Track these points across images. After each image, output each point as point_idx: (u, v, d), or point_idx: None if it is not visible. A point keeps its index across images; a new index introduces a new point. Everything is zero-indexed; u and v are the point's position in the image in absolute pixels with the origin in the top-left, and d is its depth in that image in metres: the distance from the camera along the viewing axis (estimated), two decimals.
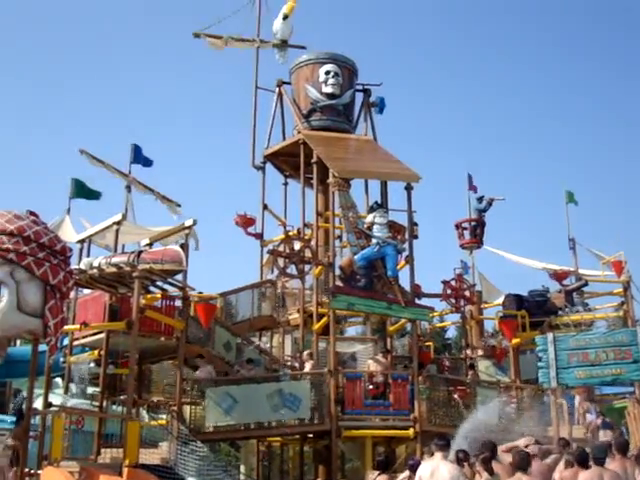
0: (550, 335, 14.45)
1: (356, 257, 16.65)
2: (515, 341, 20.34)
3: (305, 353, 18.10)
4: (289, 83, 22.07)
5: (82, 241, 17.52)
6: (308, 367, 17.45)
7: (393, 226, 17.69)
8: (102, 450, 14.71)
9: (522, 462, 8.29)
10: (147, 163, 19.79)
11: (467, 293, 18.16)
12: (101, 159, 18.83)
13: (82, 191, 18.87)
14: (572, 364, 13.82)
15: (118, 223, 16.83)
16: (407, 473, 9.61)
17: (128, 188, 18.93)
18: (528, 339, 19.55)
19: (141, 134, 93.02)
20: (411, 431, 15.96)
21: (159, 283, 15.82)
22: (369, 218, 17.37)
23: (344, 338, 22.40)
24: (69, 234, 17.54)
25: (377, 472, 10.33)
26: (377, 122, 22.11)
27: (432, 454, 8.92)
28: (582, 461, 8.99)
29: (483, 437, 11.18)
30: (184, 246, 15.99)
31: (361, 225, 17.11)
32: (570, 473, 9.45)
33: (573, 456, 9.65)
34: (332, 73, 20.99)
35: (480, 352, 22.05)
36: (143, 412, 17.00)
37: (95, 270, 14.73)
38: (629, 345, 13.58)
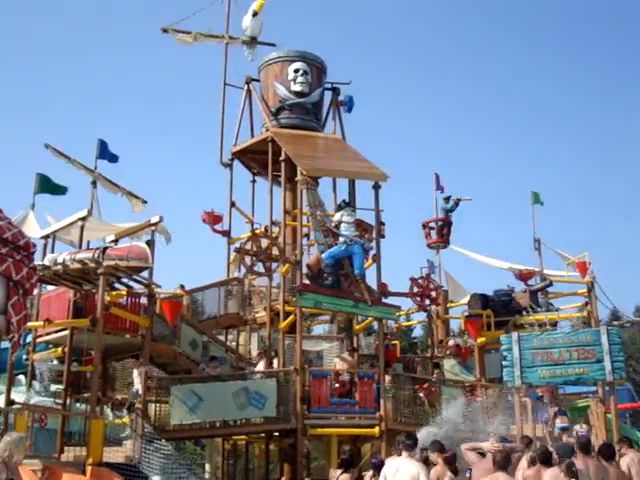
0: (515, 334, 14.55)
1: (323, 255, 16.65)
2: (480, 340, 20.50)
3: (256, 354, 18.07)
4: (258, 80, 21.99)
5: (46, 237, 17.33)
6: (261, 366, 17.50)
7: (360, 225, 17.73)
8: (65, 448, 14.55)
9: (504, 461, 8.42)
10: (113, 159, 19.62)
11: (433, 293, 18.24)
12: (66, 154, 18.63)
13: (47, 186, 18.66)
14: (536, 363, 13.93)
15: (83, 219, 16.67)
16: (371, 472, 9.63)
17: (94, 184, 18.76)
18: (493, 338, 19.71)
19: (107, 129, 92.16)
20: (377, 429, 16.00)
21: (124, 280, 15.71)
22: (337, 217, 17.38)
23: (311, 336, 22.38)
24: (33, 230, 17.34)
25: (340, 470, 10.37)
26: (345, 121, 22.13)
27: (400, 453, 8.96)
28: (545, 460, 9.20)
29: (448, 436, 11.30)
30: (150, 243, 15.88)
31: (329, 223, 17.10)
32: (533, 472, 9.60)
33: (536, 454, 9.79)
34: (301, 71, 20.95)
35: (447, 352, 22.19)
36: (107, 410, 16.86)
37: (59, 266, 14.58)
38: (592, 345, 13.71)
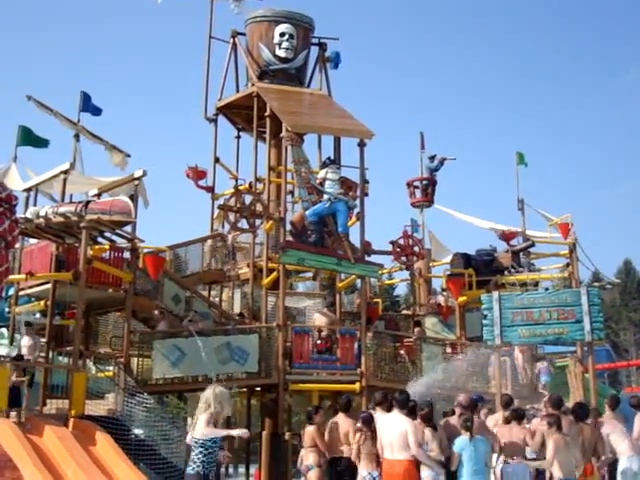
0: (495, 294, 14.63)
1: (307, 212, 16.63)
2: (462, 299, 20.66)
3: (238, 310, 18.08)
4: (244, 34, 21.69)
5: (28, 190, 17.18)
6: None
7: (345, 182, 17.69)
8: (48, 401, 14.61)
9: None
10: (96, 112, 19.33)
11: (416, 249, 18.26)
12: (49, 106, 18.35)
13: (29, 139, 18.39)
14: (516, 322, 14.03)
15: (65, 172, 16.50)
16: (362, 427, 9.76)
17: (76, 137, 18.50)
18: (474, 297, 19.86)
19: (90, 82, 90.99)
20: (357, 385, 16.16)
21: (107, 234, 15.62)
22: (321, 174, 17.32)
23: (293, 293, 22.45)
24: (15, 182, 17.15)
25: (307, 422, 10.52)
26: (332, 77, 21.93)
27: (388, 409, 9.14)
28: (519, 417, 9.54)
29: (429, 393, 11.50)
30: (133, 197, 15.78)
31: (313, 181, 17.06)
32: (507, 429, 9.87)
33: (510, 413, 10.06)
34: (287, 35, 20.66)
35: (429, 309, 22.36)
36: (90, 364, 16.88)
37: (41, 219, 14.48)
38: (572, 305, 13.81)
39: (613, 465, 10.39)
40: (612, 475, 10.36)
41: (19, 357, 14.28)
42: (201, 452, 7.53)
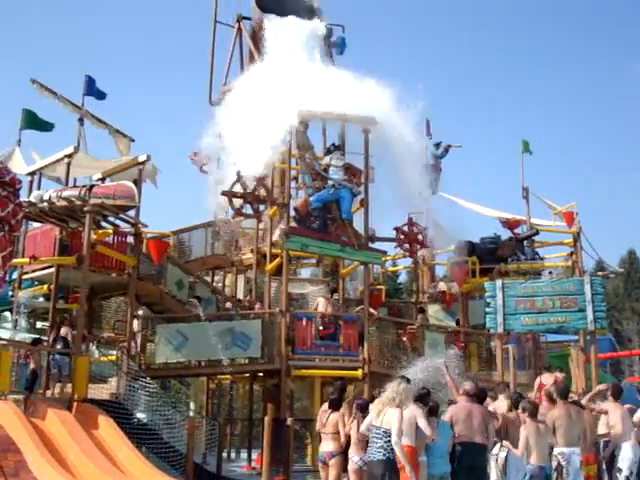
0: (499, 282, 14.64)
1: (311, 199, 16.60)
2: (465, 287, 20.63)
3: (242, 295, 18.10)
4: (249, 19, 21.58)
5: (32, 173, 17.17)
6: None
7: (349, 169, 17.62)
8: (51, 384, 14.66)
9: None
10: (100, 96, 19.31)
11: (420, 237, 18.20)
12: (53, 90, 18.33)
13: (33, 122, 18.39)
14: (519, 310, 14.05)
15: (69, 156, 16.49)
16: (356, 413, 9.78)
17: (81, 121, 18.49)
18: (478, 285, 19.84)
19: (95, 68, 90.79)
20: (360, 372, 16.18)
21: (111, 218, 15.62)
22: (326, 160, 17.27)
23: (296, 279, 22.46)
24: (19, 166, 17.15)
25: (330, 410, 10.52)
26: (337, 63, 21.80)
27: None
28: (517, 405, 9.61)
29: (430, 379, 11.52)
30: (137, 182, 15.77)
31: (317, 167, 17.01)
32: (513, 415, 9.89)
33: (513, 399, 10.09)
34: None
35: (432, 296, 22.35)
36: (93, 348, 16.92)
37: (45, 203, 14.47)
38: (575, 294, 13.81)
39: (612, 451, 10.43)
40: (610, 461, 10.39)
41: (37, 341, 14.32)
42: (390, 441, 7.85)
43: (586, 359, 16.32)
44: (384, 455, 7.81)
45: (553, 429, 9.07)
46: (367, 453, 8.03)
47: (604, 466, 10.59)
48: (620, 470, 10.20)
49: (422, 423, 8.48)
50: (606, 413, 10.53)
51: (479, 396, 9.80)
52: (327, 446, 10.37)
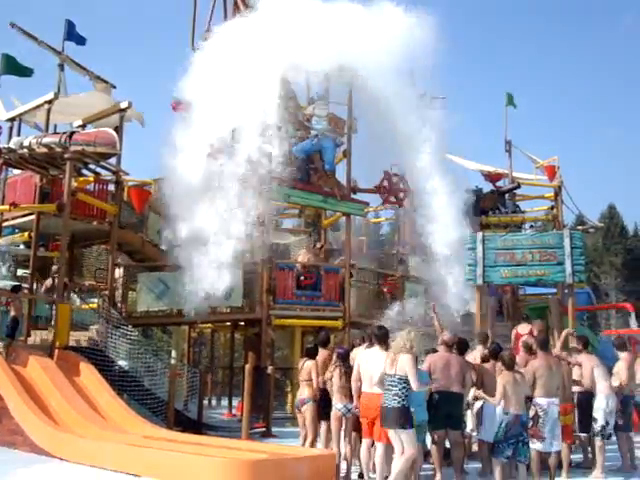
0: (479, 234, 14.67)
1: (294, 149, 16.51)
2: None
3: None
4: None
5: (12, 119, 16.96)
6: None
7: (333, 119, 17.52)
8: (32, 332, 14.69)
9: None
10: (80, 41, 18.94)
11: (401, 194, 18.14)
12: (33, 34, 17.97)
13: (13, 67, 18.04)
14: (499, 263, 14.12)
15: (50, 102, 16.27)
16: (337, 361, 9.91)
17: (61, 67, 18.17)
18: None
19: (74, 12, 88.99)
20: (340, 322, 16.32)
21: (92, 166, 15.49)
22: (309, 110, 17.15)
23: (278, 229, 22.46)
24: None
25: (306, 358, 10.65)
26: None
27: (372, 344, 9.26)
28: (496, 356, 9.65)
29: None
30: (118, 129, 15.61)
31: (300, 117, 16.89)
32: (489, 366, 10.04)
33: (489, 351, 10.23)
34: None
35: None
36: (74, 296, 16.93)
37: (25, 150, 14.31)
38: (555, 248, 13.88)
39: (586, 400, 10.62)
40: (582, 409, 10.59)
41: (17, 288, 14.28)
42: (405, 388, 7.98)
43: (563, 312, 16.51)
44: (399, 402, 7.99)
45: (533, 379, 9.21)
46: (382, 400, 8.18)
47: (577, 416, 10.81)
48: (595, 420, 10.41)
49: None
50: (580, 365, 10.71)
51: (460, 346, 9.94)
52: (301, 393, 10.55)
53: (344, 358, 9.78)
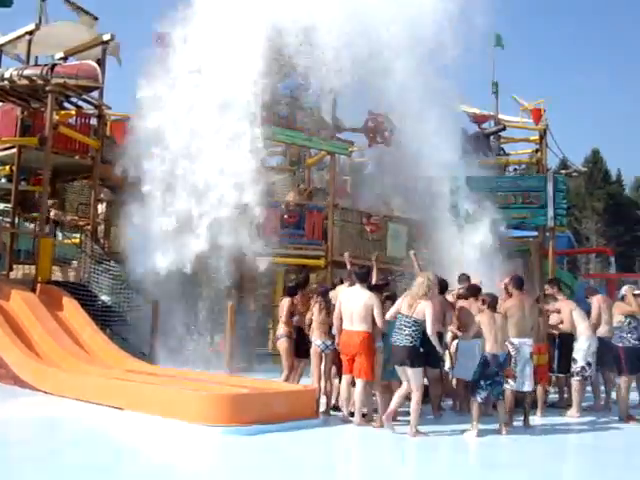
0: (464, 175, 14.73)
1: (279, 86, 16.31)
2: None
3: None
4: None
5: None
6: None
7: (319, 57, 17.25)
8: (14, 266, 14.66)
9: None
10: None
11: (386, 133, 18.01)
12: None
13: None
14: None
15: (31, 33, 15.95)
16: (318, 298, 10.02)
17: None
18: None
19: None
20: (323, 261, 16.39)
21: (74, 99, 15.28)
22: (294, 46, 16.85)
23: (263, 167, 22.29)
24: None
25: (286, 296, 10.78)
26: None
27: (354, 283, 9.35)
28: (475, 293, 9.94)
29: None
30: (101, 62, 15.36)
31: (286, 53, 16.62)
32: (467, 303, 10.16)
33: (466, 290, 10.37)
34: None
35: None
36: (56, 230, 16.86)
37: (6, 82, 14.07)
38: (537, 191, 14.00)
39: (566, 341, 10.80)
40: (561, 351, 10.77)
41: None
42: (417, 330, 8.35)
43: (544, 255, 16.69)
44: (411, 342, 8.30)
45: (506, 319, 9.34)
46: (394, 339, 8.41)
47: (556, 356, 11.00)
48: (575, 360, 10.61)
49: (376, 312, 8.80)
50: (559, 312, 10.85)
51: (439, 286, 10.05)
52: (278, 329, 10.75)
53: (324, 295, 9.93)
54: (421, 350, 8.39)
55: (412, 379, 8.30)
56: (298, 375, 10.65)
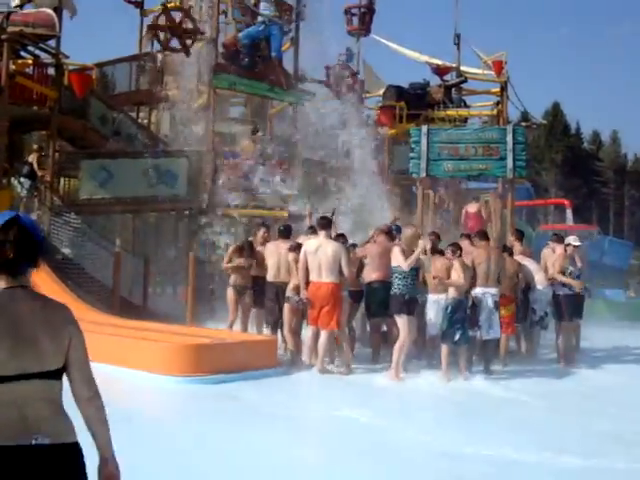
0: (424, 127, 14.73)
1: (240, 35, 16.15)
2: (391, 132, 20.75)
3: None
4: None
5: None
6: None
7: (281, 5, 17.08)
8: None
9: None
10: None
11: (350, 80, 17.98)
12: None
13: None
14: (442, 157, 14.23)
15: None
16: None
17: None
18: (404, 130, 19.94)
19: None
20: (286, 212, 16.42)
21: (30, 48, 14.97)
22: None
23: (224, 118, 22.14)
24: None
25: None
26: None
27: (316, 232, 9.44)
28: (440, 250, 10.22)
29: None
30: (57, 10, 15.03)
31: (248, 1, 16.45)
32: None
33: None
34: None
35: None
36: (14, 182, 16.64)
37: None
38: (497, 142, 14.04)
39: (525, 293, 11.09)
40: (524, 302, 11.07)
41: None
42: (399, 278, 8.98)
43: (503, 206, 16.87)
44: (399, 289, 9.08)
45: (473, 269, 9.54)
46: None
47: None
48: (534, 310, 10.94)
49: (344, 262, 8.92)
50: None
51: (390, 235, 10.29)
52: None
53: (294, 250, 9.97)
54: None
55: (400, 327, 9.08)
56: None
